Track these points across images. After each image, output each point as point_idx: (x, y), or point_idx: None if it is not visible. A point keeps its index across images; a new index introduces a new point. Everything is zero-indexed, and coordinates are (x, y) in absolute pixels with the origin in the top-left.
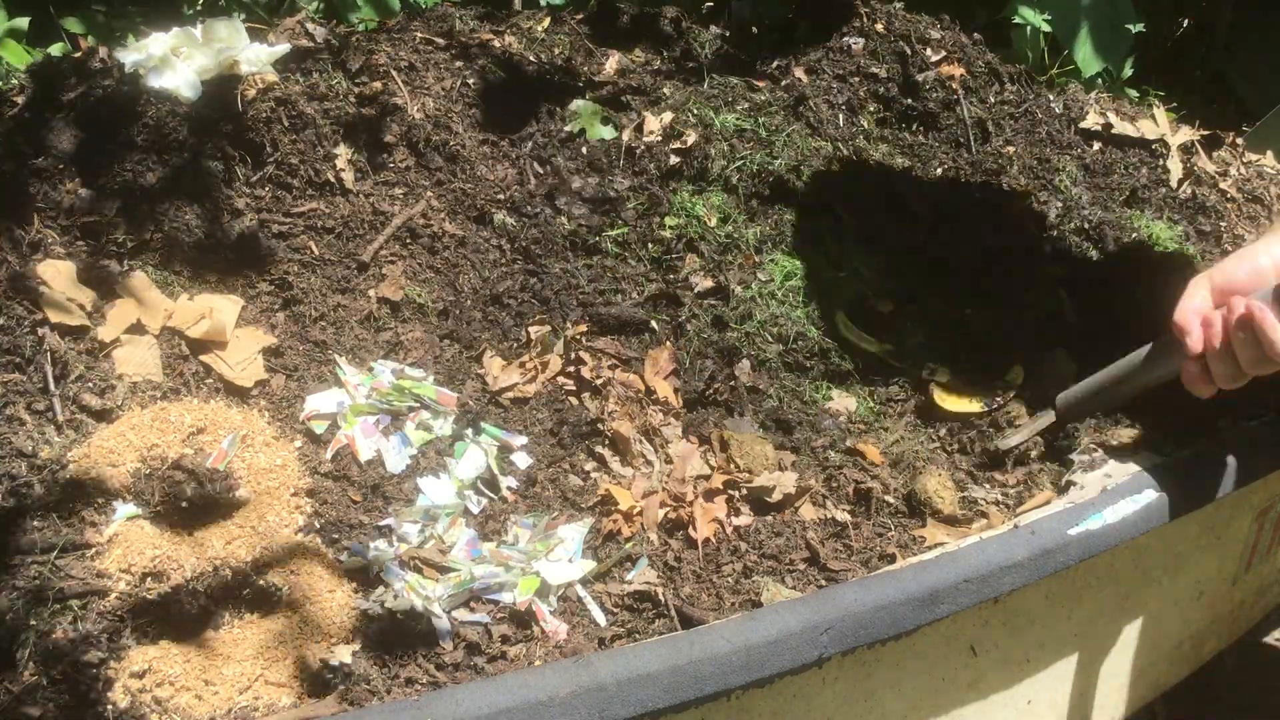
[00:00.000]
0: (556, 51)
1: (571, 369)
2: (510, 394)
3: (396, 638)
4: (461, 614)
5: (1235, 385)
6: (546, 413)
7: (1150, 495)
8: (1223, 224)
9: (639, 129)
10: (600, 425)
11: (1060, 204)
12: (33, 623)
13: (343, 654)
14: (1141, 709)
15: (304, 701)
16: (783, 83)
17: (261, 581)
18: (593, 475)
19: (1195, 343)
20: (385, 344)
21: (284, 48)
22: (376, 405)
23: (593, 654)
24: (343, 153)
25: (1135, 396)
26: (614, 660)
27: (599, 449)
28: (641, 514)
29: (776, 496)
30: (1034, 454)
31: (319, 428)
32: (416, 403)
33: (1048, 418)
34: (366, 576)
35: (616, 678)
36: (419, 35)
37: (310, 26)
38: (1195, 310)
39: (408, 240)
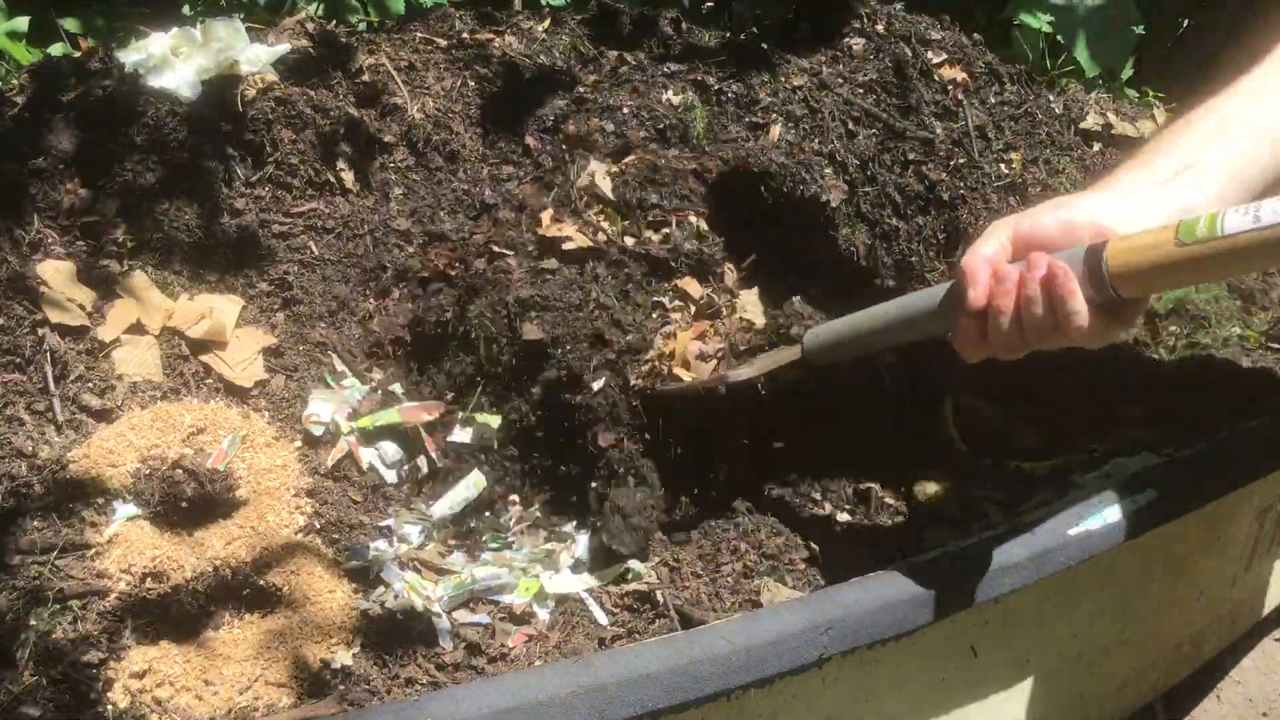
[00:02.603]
0: (557, 53)
1: None
2: None
3: (396, 638)
4: (462, 614)
5: (1011, 356)
6: None
7: (1150, 495)
8: None
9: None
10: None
11: None
12: (33, 623)
13: (343, 654)
14: (1141, 709)
15: (304, 701)
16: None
17: (261, 581)
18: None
19: (979, 295)
20: (386, 345)
21: (284, 48)
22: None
23: (593, 654)
24: (342, 153)
25: (896, 346)
26: (614, 660)
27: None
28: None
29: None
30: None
31: (318, 430)
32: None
33: (790, 353)
34: (366, 576)
35: (616, 678)
36: (419, 35)
37: (310, 26)
38: (988, 258)
39: (408, 241)
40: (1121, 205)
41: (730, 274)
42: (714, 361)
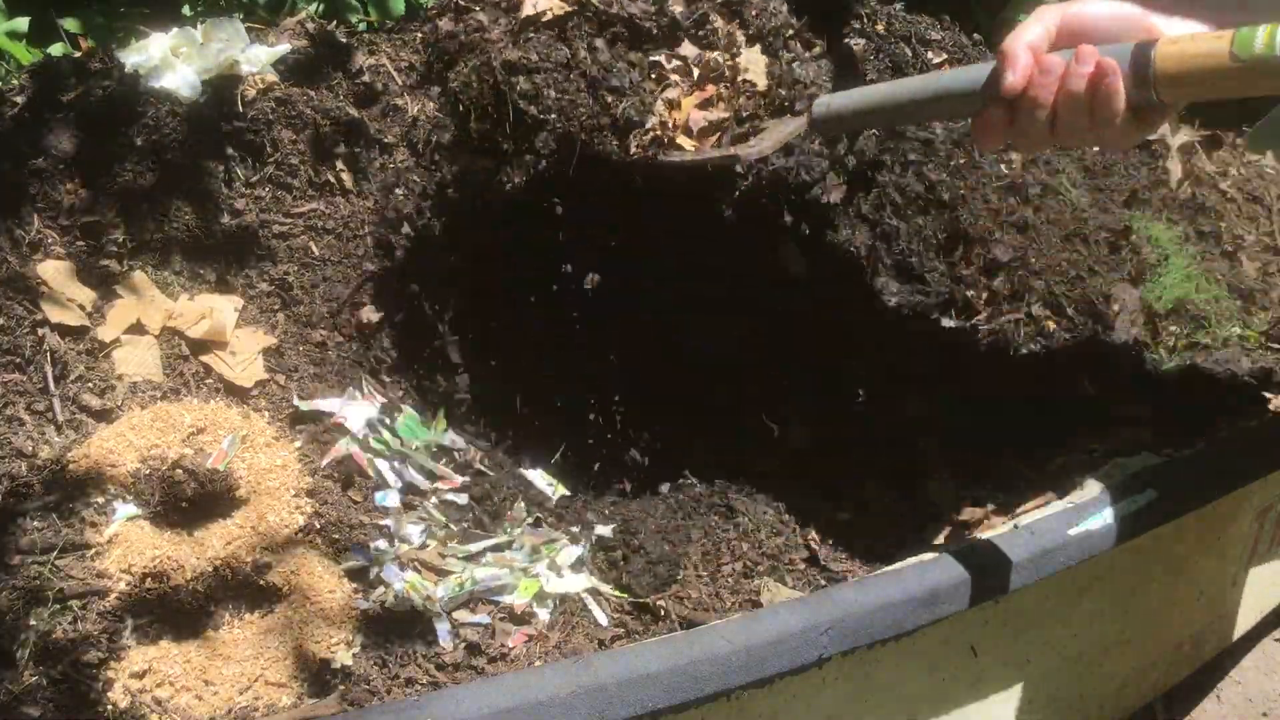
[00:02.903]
0: None
1: None
2: None
3: (396, 638)
4: (462, 614)
5: (1032, 150)
6: None
7: (1150, 495)
8: (1222, 224)
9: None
10: None
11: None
12: (33, 623)
13: (343, 654)
14: (1141, 709)
15: (304, 701)
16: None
17: (261, 581)
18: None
19: (1016, 81)
20: (387, 346)
21: (284, 48)
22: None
23: (593, 654)
24: (343, 153)
25: (911, 123)
26: (614, 660)
27: None
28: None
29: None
30: None
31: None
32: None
33: (799, 124)
34: (366, 576)
35: (616, 678)
36: (420, 36)
37: (310, 27)
38: (1030, 44)
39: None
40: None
41: (728, 31)
42: (718, 134)
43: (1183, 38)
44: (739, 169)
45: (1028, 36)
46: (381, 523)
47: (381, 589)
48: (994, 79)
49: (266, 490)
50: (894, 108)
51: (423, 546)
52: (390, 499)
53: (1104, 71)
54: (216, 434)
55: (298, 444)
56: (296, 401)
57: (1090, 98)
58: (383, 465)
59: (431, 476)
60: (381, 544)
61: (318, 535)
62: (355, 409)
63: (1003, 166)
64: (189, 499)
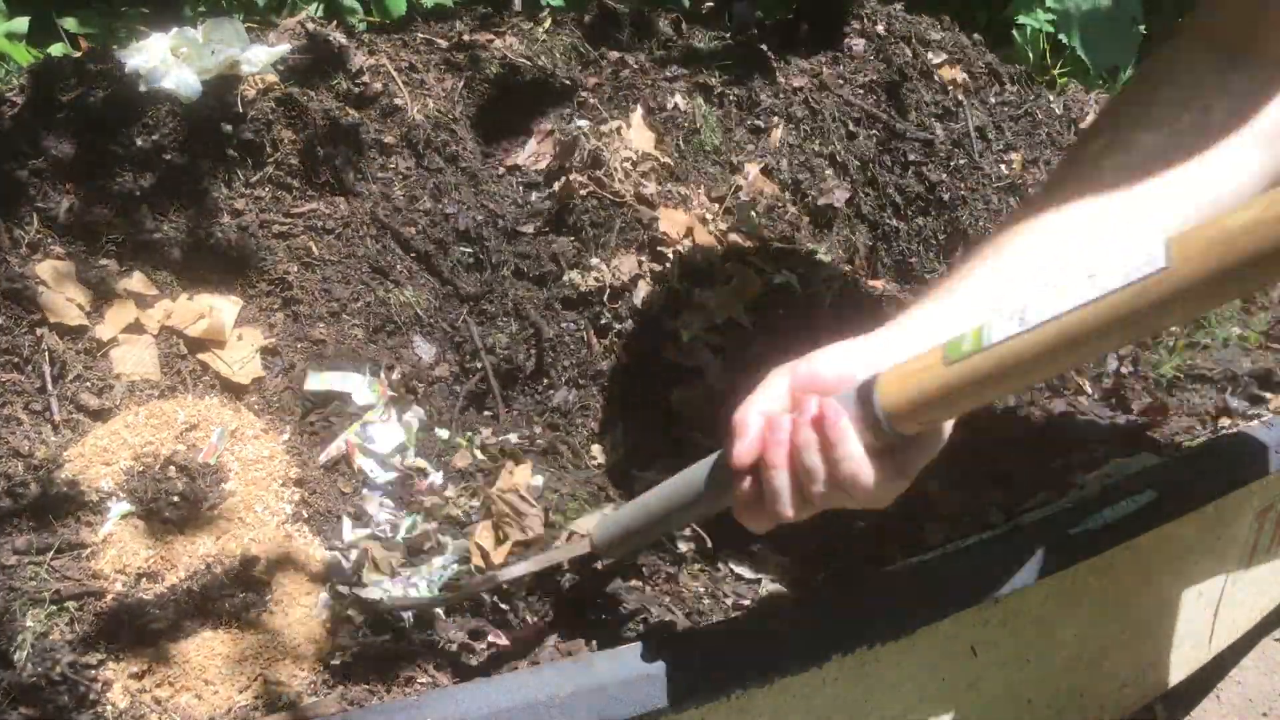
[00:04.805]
0: (557, 54)
1: None
2: None
3: (395, 635)
4: (460, 616)
5: (797, 516)
6: None
7: (1150, 495)
8: None
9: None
10: None
11: None
12: (29, 624)
13: (341, 654)
14: (1141, 709)
15: (304, 701)
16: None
17: (257, 578)
18: None
19: (746, 448)
20: (386, 347)
21: (284, 48)
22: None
23: (593, 654)
24: (343, 153)
25: (696, 520)
26: (614, 660)
27: None
28: None
29: None
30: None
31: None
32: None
33: (579, 547)
34: (364, 577)
35: (616, 678)
36: (420, 36)
37: (310, 27)
38: (762, 410)
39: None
40: (909, 347)
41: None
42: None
43: (902, 363)
44: None
45: (758, 402)
46: (366, 528)
47: (373, 587)
48: (728, 452)
49: (254, 481)
50: (661, 517)
51: (395, 546)
52: (373, 495)
53: (823, 414)
54: (209, 429)
55: (285, 436)
56: (309, 380)
57: (821, 446)
58: (369, 463)
59: (424, 473)
60: (361, 531)
61: (305, 524)
62: (362, 388)
63: (1002, 167)
64: (181, 494)
